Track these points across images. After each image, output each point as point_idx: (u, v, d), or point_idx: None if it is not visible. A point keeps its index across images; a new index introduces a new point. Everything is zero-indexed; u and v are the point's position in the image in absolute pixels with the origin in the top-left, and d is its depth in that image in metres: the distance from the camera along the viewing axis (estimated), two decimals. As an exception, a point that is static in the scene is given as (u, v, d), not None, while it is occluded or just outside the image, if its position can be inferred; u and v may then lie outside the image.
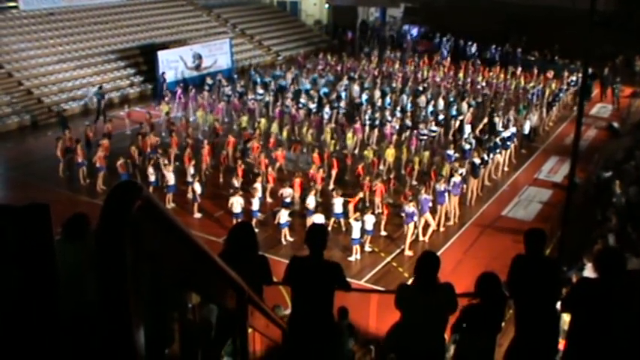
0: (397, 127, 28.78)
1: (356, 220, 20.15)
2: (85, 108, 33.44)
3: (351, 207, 21.21)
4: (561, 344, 6.31)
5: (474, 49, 46.43)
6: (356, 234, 20.15)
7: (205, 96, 33.60)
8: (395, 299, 6.24)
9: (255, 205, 21.47)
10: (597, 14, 15.16)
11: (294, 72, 38.52)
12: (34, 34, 37.70)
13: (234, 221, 21.54)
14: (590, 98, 37.27)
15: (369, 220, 20.43)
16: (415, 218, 20.55)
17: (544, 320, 6.25)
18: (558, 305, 6.31)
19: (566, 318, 6.41)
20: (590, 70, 25.43)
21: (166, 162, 23.70)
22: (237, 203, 21.47)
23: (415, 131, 28.11)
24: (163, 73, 36.88)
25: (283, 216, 21.09)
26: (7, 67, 34.63)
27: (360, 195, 21.99)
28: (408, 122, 29.61)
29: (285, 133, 28.44)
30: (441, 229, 22.09)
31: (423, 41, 51.54)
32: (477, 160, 23.79)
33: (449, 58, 43.55)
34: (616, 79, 37.56)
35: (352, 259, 20.16)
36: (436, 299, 5.99)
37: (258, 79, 36.83)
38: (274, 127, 28.59)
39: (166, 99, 32.53)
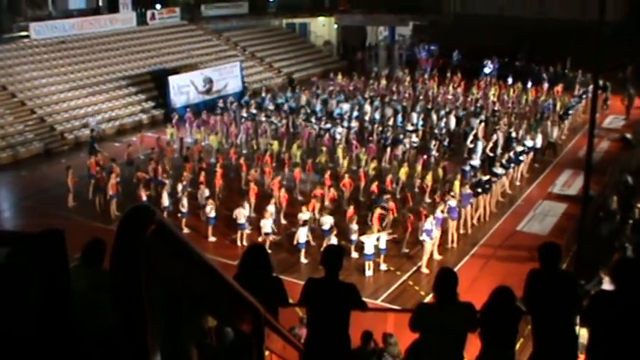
0: (408, 145, 28.76)
1: (367, 237, 20.10)
2: (99, 135, 33.60)
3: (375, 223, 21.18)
4: (580, 359, 6.26)
5: (486, 67, 46.14)
6: (369, 249, 20.03)
7: (217, 119, 33.67)
8: (410, 319, 6.19)
9: (268, 227, 21.34)
10: (606, 25, 15.10)
11: (307, 93, 38.60)
12: (45, 63, 38.05)
13: (240, 232, 21.84)
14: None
15: (383, 238, 20.38)
16: (433, 235, 20.49)
17: (562, 335, 6.18)
18: (577, 320, 6.25)
19: (584, 332, 6.34)
20: (601, 82, 25.33)
21: (180, 187, 23.74)
22: (241, 215, 21.73)
23: (427, 148, 28.11)
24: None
25: (302, 235, 21.01)
26: (19, 96, 34.89)
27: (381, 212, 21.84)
28: (419, 140, 29.68)
29: (298, 153, 28.23)
30: (454, 245, 22.04)
31: (431, 59, 51.35)
32: (486, 177, 23.73)
33: (459, 75, 43.44)
34: (630, 91, 37.33)
35: (369, 274, 20.12)
36: (456, 316, 5.96)
37: (267, 101, 36.86)
38: (294, 148, 28.52)
39: (174, 121, 32.71)
